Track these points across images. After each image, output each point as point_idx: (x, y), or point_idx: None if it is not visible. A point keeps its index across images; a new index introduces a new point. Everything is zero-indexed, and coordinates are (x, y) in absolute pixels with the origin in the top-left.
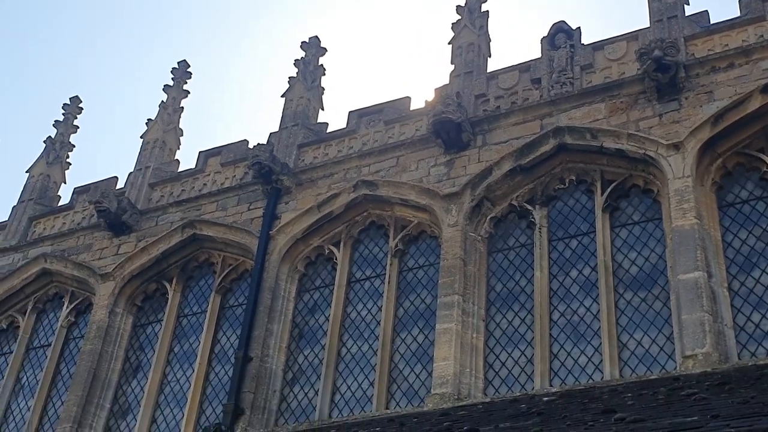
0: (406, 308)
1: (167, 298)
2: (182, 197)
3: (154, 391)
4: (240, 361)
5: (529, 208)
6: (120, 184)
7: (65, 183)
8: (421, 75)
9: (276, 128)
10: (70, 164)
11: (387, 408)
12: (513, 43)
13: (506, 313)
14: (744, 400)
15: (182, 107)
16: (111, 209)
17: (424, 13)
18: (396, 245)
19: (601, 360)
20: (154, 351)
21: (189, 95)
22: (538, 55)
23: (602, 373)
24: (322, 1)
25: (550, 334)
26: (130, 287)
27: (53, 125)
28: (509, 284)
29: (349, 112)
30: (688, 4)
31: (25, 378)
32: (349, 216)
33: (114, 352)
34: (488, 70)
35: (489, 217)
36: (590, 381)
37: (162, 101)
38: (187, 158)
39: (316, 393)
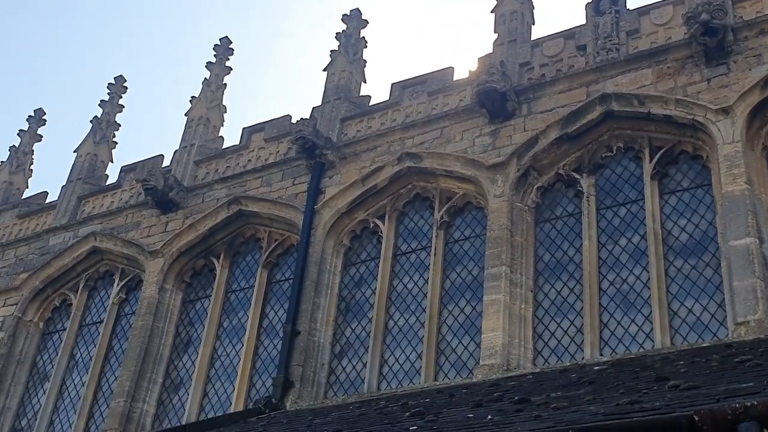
0: (452, 280)
1: (215, 274)
2: (227, 174)
3: (205, 366)
4: (288, 335)
5: (577, 176)
6: (166, 162)
7: (112, 162)
8: (464, 45)
9: (319, 102)
10: (117, 143)
11: (435, 380)
12: (557, 9)
13: (555, 283)
14: None
15: (225, 84)
16: (158, 187)
17: None
18: (441, 217)
19: (652, 328)
20: (204, 326)
21: (231, 72)
22: (583, 21)
23: (653, 341)
24: None
25: (600, 304)
26: (179, 264)
27: (99, 105)
28: (557, 254)
29: (392, 84)
30: None
31: (78, 354)
32: (394, 189)
33: (165, 328)
34: (532, 38)
35: (536, 187)
36: (641, 350)
37: (205, 78)
38: (231, 135)
39: (364, 366)
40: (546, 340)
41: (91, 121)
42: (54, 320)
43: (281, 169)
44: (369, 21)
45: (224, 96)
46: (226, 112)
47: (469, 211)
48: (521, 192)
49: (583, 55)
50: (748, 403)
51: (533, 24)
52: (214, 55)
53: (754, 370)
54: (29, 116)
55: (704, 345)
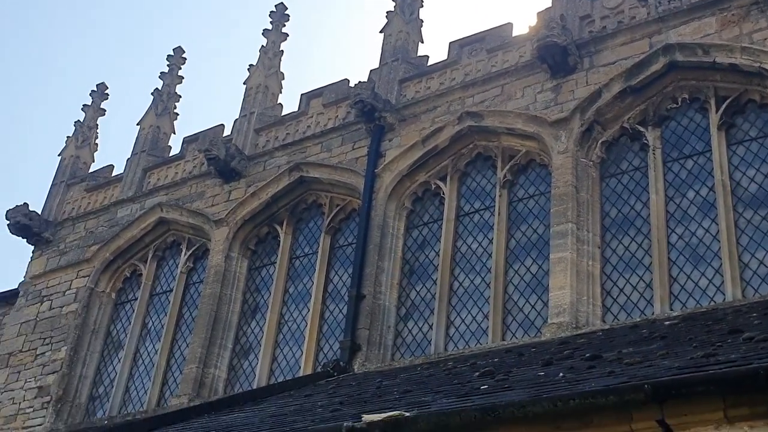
0: (517, 239)
1: (279, 241)
2: (287, 141)
3: (273, 331)
4: (353, 299)
5: (642, 129)
6: (226, 132)
7: (174, 133)
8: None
9: (376, 65)
10: (178, 114)
11: (503, 340)
12: None
13: (622, 239)
14: None
15: (282, 51)
16: (220, 156)
17: None
18: (504, 176)
19: (723, 281)
20: (270, 292)
21: (288, 38)
22: None
23: (724, 294)
24: None
25: (669, 258)
26: (243, 232)
27: (159, 77)
28: (624, 209)
29: (450, 42)
30: None
31: (150, 323)
32: (455, 149)
33: (232, 295)
34: None
35: (600, 142)
36: (712, 303)
37: (262, 46)
38: (289, 102)
39: (431, 327)
40: (615, 297)
41: (152, 94)
42: (125, 290)
43: (341, 134)
44: None
45: (281, 63)
46: (284, 78)
47: (532, 168)
48: (585, 147)
49: (644, 5)
50: None
51: None
52: (270, 22)
53: None
54: (92, 91)
55: None
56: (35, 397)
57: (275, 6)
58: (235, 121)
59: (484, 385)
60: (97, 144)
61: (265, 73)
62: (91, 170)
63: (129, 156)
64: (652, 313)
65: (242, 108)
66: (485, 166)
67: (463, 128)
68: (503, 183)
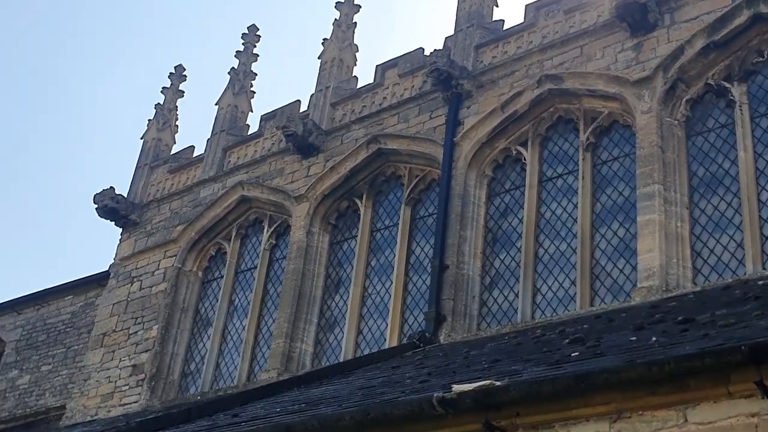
0: (603, 203)
1: (359, 215)
2: (364, 113)
3: (357, 304)
4: (437, 270)
5: (727, 85)
6: (303, 107)
7: (252, 111)
8: None
9: (451, 32)
10: (255, 93)
11: (591, 305)
12: None
13: (711, 199)
14: None
15: (355, 23)
16: (297, 132)
17: None
18: (587, 139)
19: None
20: (353, 266)
21: (361, 9)
22: None
23: None
24: None
25: (760, 216)
26: (323, 207)
27: (235, 56)
28: (712, 168)
29: (526, 5)
30: None
31: (237, 299)
32: (535, 113)
33: (315, 270)
34: None
35: (684, 100)
36: None
37: (335, 19)
38: (364, 74)
39: (516, 295)
40: (705, 258)
41: (228, 73)
42: (211, 269)
43: (417, 104)
44: None
45: (355, 35)
46: (358, 51)
47: (615, 130)
48: (670, 106)
49: None
50: None
51: None
52: None
53: None
54: (170, 73)
55: None
56: (130, 375)
57: None
58: (311, 97)
59: (575, 352)
60: (177, 126)
61: (339, 47)
62: (172, 152)
63: (209, 136)
64: (745, 274)
65: (318, 83)
66: (567, 130)
67: (542, 92)
68: (586, 146)
